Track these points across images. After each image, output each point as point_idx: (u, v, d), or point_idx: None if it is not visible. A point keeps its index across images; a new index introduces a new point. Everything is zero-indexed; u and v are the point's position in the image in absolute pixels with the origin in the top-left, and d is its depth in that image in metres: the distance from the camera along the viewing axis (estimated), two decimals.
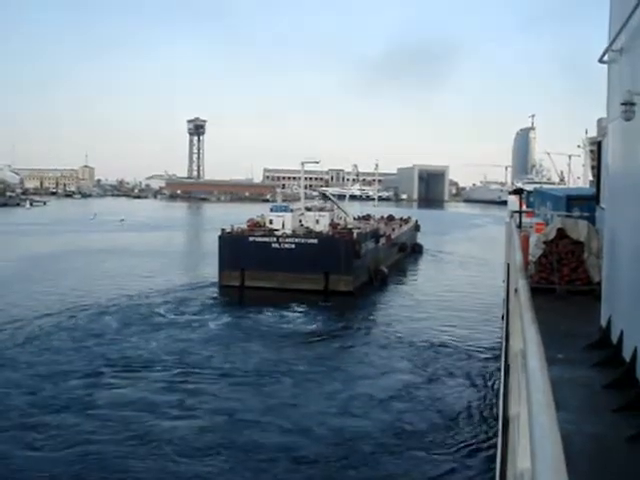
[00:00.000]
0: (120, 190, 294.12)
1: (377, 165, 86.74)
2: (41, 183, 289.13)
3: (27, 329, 33.39)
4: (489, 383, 25.23)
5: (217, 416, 22.17)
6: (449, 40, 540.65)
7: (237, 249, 47.48)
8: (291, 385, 25.77)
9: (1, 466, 18.12)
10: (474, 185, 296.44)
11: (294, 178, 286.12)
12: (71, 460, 18.45)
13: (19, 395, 23.81)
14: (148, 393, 24.29)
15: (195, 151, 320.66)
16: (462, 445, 19.65)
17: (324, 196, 66.49)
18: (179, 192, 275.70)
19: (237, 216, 59.60)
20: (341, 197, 68.43)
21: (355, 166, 76.77)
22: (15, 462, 18.33)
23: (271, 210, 53.23)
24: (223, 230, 49.64)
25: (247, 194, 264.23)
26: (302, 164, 58.12)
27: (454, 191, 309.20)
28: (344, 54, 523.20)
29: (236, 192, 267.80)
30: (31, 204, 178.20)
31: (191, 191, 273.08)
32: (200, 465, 18.42)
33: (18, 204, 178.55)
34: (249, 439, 20.17)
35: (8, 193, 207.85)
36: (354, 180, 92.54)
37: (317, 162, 58.62)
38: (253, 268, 46.69)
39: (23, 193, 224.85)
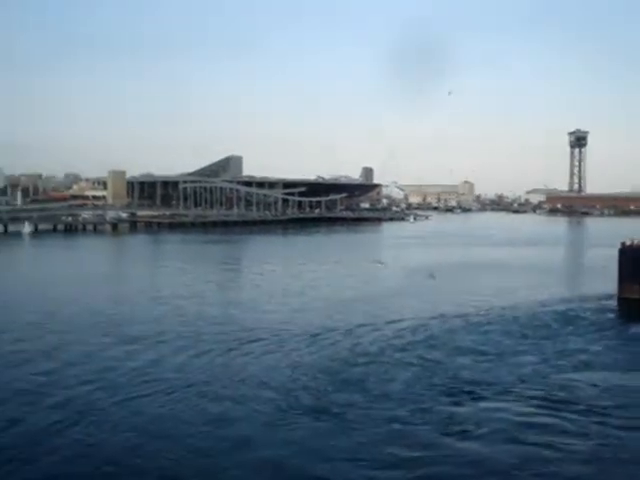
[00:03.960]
0: (499, 204, 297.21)
1: None
2: (424, 198, 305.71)
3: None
4: None
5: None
6: None
7: (639, 263, 47.46)
8: None
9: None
10: None
11: None
12: None
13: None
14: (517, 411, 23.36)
15: (576, 164, 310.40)
16: None
17: None
18: (559, 206, 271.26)
19: (625, 231, 56.03)
20: None
21: None
22: None
23: None
24: (623, 244, 50.17)
25: (632, 207, 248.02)
26: None
27: None
28: None
29: (620, 205, 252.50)
30: (414, 218, 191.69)
31: (572, 205, 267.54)
32: None
33: (402, 218, 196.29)
34: None
35: (394, 208, 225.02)
36: None
37: None
38: None
39: (407, 208, 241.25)
